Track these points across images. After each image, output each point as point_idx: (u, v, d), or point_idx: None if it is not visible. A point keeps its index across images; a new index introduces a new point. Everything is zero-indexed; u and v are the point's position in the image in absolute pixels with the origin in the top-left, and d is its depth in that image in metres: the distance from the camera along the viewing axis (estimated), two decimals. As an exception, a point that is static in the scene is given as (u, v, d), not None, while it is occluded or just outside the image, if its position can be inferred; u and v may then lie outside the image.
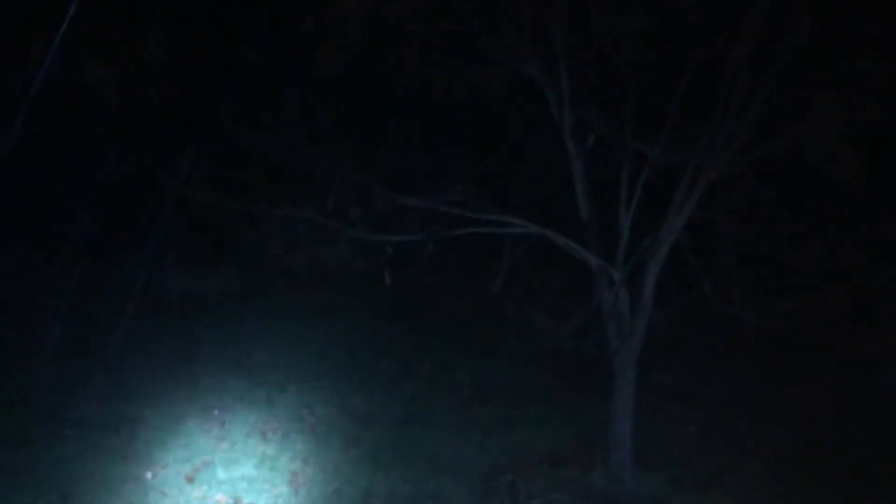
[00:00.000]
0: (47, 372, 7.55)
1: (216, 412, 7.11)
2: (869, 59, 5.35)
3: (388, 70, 7.02)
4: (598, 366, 7.77)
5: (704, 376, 7.94)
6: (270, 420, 7.07)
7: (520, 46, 6.03)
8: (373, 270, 6.77)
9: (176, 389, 7.49)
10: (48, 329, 8.35)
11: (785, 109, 5.74)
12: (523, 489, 6.33)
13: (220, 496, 5.97)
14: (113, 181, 10.35)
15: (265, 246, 7.55)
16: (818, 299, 6.18)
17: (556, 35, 5.93)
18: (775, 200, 5.89)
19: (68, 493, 5.86)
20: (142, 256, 10.39)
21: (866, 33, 5.37)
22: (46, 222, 10.78)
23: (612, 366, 6.33)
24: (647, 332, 6.04)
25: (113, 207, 9.98)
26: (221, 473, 6.19)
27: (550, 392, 7.88)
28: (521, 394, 7.89)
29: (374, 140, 7.05)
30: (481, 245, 6.36)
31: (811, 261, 5.98)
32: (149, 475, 6.06)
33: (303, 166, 7.00)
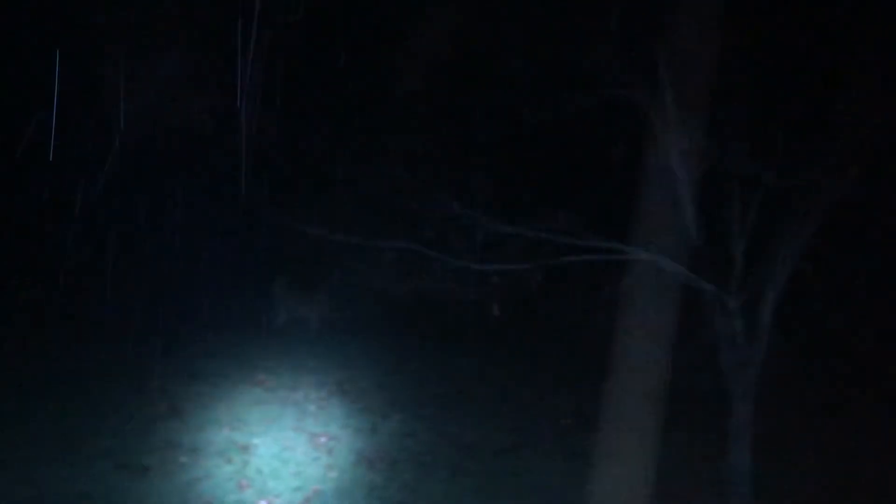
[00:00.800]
0: (160, 398, 7.79)
1: (323, 440, 7.20)
2: None
3: (485, 95, 7.02)
4: (708, 398, 7.52)
5: (828, 408, 7.58)
6: (376, 448, 7.12)
7: (620, 69, 5.92)
8: (474, 300, 6.74)
9: (283, 416, 7.62)
10: (157, 356, 8.66)
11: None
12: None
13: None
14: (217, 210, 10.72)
15: (368, 277, 7.62)
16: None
17: (659, 55, 5.81)
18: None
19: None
20: (246, 285, 10.69)
21: None
22: (149, 250, 11.22)
23: (724, 398, 6.10)
24: (764, 361, 5.79)
25: (222, 235, 10.31)
26: (332, 503, 6.25)
27: (657, 423, 7.56)
28: (626, 425, 7.65)
29: (473, 167, 7.06)
30: (588, 273, 6.25)
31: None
32: (263, 504, 6.18)
33: (402, 196, 7.04)
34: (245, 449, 6.97)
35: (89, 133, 9.31)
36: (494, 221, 6.19)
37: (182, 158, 10.12)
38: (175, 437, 7.08)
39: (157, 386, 7.99)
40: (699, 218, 5.95)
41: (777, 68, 5.87)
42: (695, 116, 5.87)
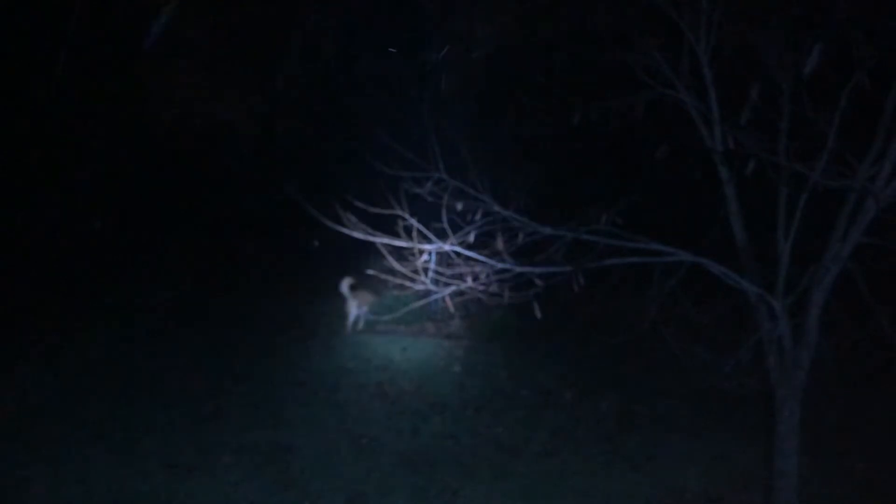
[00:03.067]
0: (206, 400, 7.89)
1: (364, 441, 7.24)
2: None
3: (527, 96, 6.98)
4: (752, 400, 7.44)
5: (874, 411, 7.44)
6: (417, 450, 7.13)
7: (663, 67, 5.87)
8: (515, 303, 6.71)
9: (324, 418, 7.67)
10: (200, 360, 8.77)
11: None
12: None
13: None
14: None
15: (409, 278, 7.62)
16: None
17: (702, 51, 5.75)
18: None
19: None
20: (286, 285, 10.77)
21: None
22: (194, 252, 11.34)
23: (770, 400, 6.01)
24: (812, 364, 5.69)
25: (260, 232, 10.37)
26: (375, 504, 6.29)
27: (700, 426, 7.59)
28: (668, 427, 7.63)
29: (516, 170, 7.03)
30: (632, 276, 6.19)
31: None
32: (306, 505, 6.22)
33: (445, 199, 7.02)
34: (288, 449, 7.03)
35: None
36: (535, 224, 6.16)
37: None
38: (221, 438, 7.16)
39: (203, 387, 8.10)
40: (744, 218, 5.88)
41: (823, 66, 5.76)
42: (740, 115, 5.80)
